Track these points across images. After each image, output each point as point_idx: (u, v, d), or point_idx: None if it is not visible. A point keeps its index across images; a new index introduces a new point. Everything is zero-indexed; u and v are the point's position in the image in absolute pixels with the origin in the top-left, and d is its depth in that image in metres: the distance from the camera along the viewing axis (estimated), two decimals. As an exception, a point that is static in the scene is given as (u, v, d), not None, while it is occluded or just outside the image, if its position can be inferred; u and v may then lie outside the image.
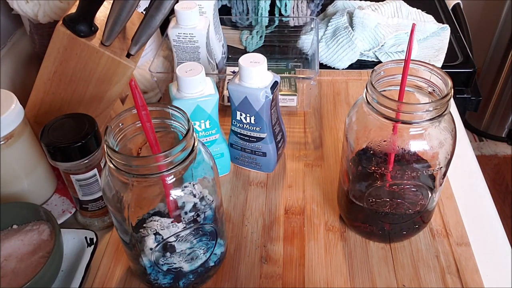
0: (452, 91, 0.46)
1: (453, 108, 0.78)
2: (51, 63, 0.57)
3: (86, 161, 0.53)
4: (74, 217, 0.61)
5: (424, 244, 0.55)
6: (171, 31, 0.69)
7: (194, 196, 0.45)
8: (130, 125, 0.45)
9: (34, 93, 0.59)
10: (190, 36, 0.69)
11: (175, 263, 0.48)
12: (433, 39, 0.91)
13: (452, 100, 0.46)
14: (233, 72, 0.81)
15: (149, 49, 0.79)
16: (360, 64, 0.87)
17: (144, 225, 0.44)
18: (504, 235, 0.58)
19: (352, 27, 0.88)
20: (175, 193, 0.44)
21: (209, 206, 0.46)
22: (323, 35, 0.90)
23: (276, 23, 0.93)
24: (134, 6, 0.53)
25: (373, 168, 0.49)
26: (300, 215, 0.60)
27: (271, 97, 0.58)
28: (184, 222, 0.45)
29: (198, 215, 0.46)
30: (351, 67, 0.87)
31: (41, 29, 0.72)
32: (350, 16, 0.89)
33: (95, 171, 0.55)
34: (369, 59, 0.88)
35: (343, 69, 0.87)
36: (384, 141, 0.48)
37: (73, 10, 0.56)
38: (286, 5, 0.94)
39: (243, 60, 0.58)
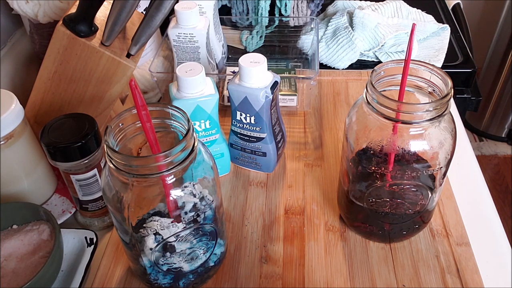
0: (452, 91, 0.46)
1: (453, 108, 0.78)
2: (51, 63, 0.57)
3: (86, 161, 0.53)
4: (74, 217, 0.61)
5: (424, 244, 0.55)
6: (171, 31, 0.69)
7: (194, 196, 0.45)
8: (130, 125, 0.45)
9: (34, 93, 0.59)
10: (190, 36, 0.69)
11: (175, 263, 0.48)
12: (433, 39, 0.91)
13: (452, 100, 0.46)
14: (233, 72, 0.81)
15: (149, 49, 0.79)
16: (360, 64, 0.87)
17: (144, 225, 0.44)
18: (504, 235, 0.58)
19: (352, 27, 0.88)
20: (175, 193, 0.44)
21: (209, 206, 0.46)
22: (323, 35, 0.90)
23: (276, 23, 0.93)
24: (134, 6, 0.53)
25: (373, 168, 0.49)
26: (300, 215, 0.60)
27: (271, 97, 0.58)
28: (184, 222, 0.45)
29: (198, 215, 0.46)
30: (351, 67, 0.87)
31: (41, 29, 0.72)
32: (350, 16, 0.89)
33: (95, 171, 0.55)
34: (369, 59, 0.88)
35: (343, 69, 0.87)
36: (384, 141, 0.48)
37: (73, 10, 0.56)
38: (286, 5, 0.94)
39: (243, 60, 0.58)
